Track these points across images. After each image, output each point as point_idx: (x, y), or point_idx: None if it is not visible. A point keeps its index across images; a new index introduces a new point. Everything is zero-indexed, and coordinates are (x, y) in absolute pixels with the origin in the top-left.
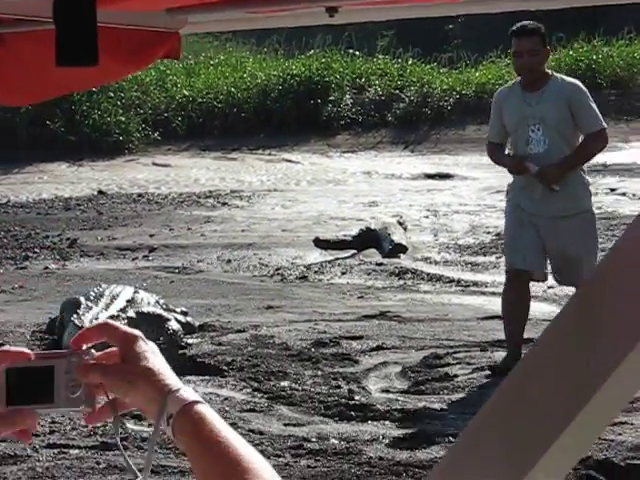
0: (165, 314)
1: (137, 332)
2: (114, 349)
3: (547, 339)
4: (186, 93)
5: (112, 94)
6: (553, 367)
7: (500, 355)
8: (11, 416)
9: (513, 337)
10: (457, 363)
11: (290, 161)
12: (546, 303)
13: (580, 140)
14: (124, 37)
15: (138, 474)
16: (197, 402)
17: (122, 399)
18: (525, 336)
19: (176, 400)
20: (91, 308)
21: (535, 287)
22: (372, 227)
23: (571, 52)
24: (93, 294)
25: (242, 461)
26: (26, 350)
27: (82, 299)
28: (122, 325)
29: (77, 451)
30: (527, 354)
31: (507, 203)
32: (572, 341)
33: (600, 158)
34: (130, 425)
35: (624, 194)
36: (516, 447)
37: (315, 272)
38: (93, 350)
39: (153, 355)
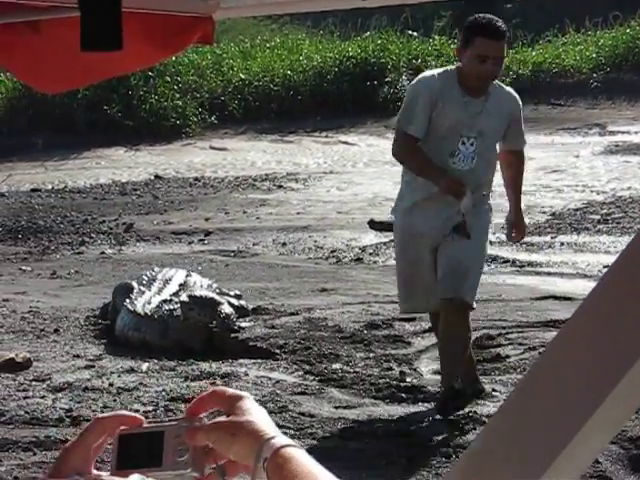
0: (218, 297)
1: (245, 393)
2: (223, 418)
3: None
4: (242, 76)
5: (169, 78)
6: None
7: (552, 335)
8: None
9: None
10: (509, 344)
11: (346, 143)
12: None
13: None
14: (158, 23)
15: None
16: (288, 445)
17: (227, 455)
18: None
19: (271, 445)
20: (144, 292)
21: (590, 266)
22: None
23: (628, 30)
24: (146, 278)
25: None
26: (139, 416)
27: (134, 283)
28: (231, 389)
29: None
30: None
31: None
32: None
33: None
34: None
35: None
36: (540, 438)
37: (370, 254)
38: (205, 419)
39: (257, 410)
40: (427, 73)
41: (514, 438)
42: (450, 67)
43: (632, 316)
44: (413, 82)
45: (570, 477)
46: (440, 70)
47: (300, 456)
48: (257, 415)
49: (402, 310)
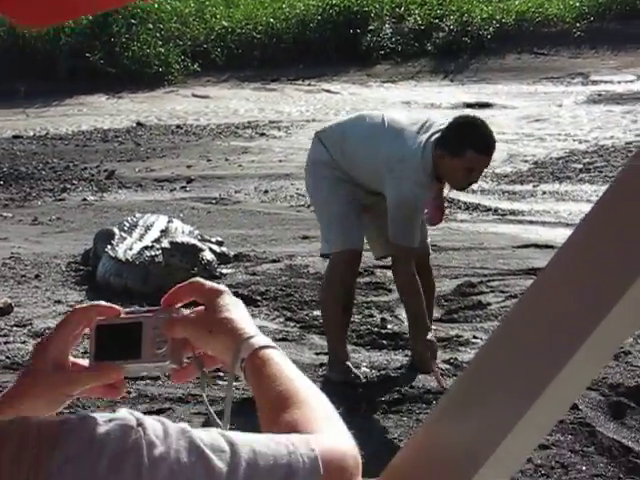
0: (200, 244)
1: (223, 287)
2: (201, 308)
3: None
4: (225, 24)
5: (151, 26)
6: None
7: None
8: (97, 371)
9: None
10: (491, 291)
11: (329, 91)
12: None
13: None
14: None
15: (220, 423)
16: (267, 347)
17: (205, 351)
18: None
19: (249, 345)
20: (125, 239)
21: (572, 215)
22: None
23: None
24: (127, 224)
25: (297, 394)
26: (117, 307)
27: (116, 230)
28: (209, 282)
29: None
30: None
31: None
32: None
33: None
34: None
35: None
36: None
37: None
38: (182, 309)
39: (235, 307)
40: (422, 178)
41: (492, 382)
42: (427, 165)
43: (609, 262)
44: (410, 187)
45: (550, 419)
46: (428, 172)
47: (278, 359)
48: (236, 312)
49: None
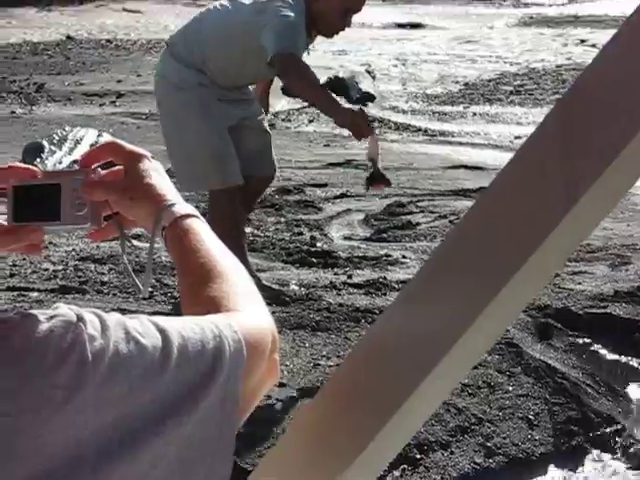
0: None
1: (143, 151)
2: (120, 167)
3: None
4: None
5: None
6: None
7: (463, 204)
8: (17, 231)
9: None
10: (420, 211)
11: None
12: (512, 153)
13: None
14: None
15: (141, 287)
16: (189, 215)
17: (127, 216)
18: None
19: (170, 213)
20: (54, 152)
21: (502, 137)
22: (340, 75)
23: None
24: (56, 138)
25: (216, 266)
26: (33, 167)
27: (45, 143)
28: (128, 144)
29: (37, 294)
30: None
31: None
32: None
33: (571, 9)
34: (136, 242)
35: (594, 45)
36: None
37: (282, 120)
38: (100, 169)
39: (156, 173)
40: (296, 13)
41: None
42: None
43: (556, 176)
44: (286, 16)
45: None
46: (300, 10)
47: (199, 229)
48: (157, 178)
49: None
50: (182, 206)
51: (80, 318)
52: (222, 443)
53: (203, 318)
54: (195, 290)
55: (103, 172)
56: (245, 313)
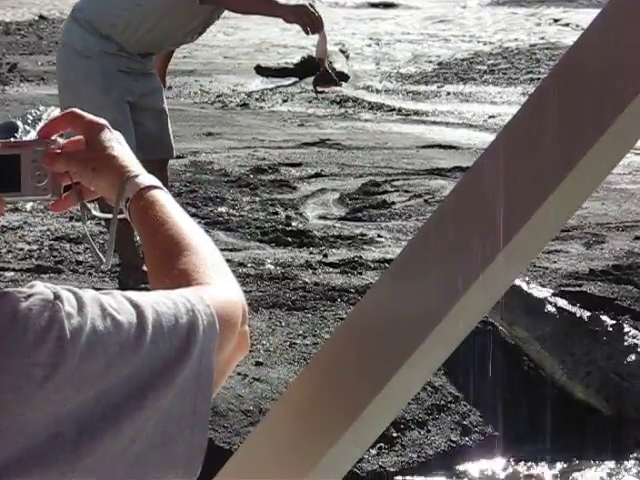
0: None
1: (103, 121)
2: (80, 137)
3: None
4: None
5: None
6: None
7: (437, 183)
8: None
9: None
10: (395, 191)
11: None
12: (486, 132)
13: None
14: None
15: (103, 259)
16: (154, 187)
17: (88, 187)
18: (464, 165)
19: (134, 184)
20: (29, 132)
21: (476, 116)
22: (314, 55)
23: None
24: (30, 118)
25: (184, 239)
26: None
27: (19, 122)
28: (88, 114)
29: (12, 274)
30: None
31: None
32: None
33: None
34: (95, 212)
35: (567, 25)
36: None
37: (256, 99)
38: (59, 139)
39: (118, 144)
40: None
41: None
42: None
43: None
44: None
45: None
46: None
47: (164, 200)
48: (119, 149)
49: None
50: (146, 177)
51: (57, 296)
52: (198, 416)
53: (175, 292)
54: (164, 263)
55: (62, 142)
56: (216, 286)
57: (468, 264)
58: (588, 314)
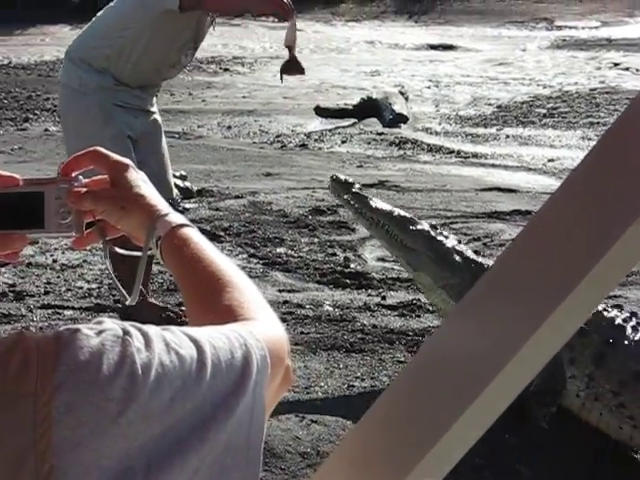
0: None
1: (128, 160)
2: (103, 176)
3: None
4: None
5: None
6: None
7: (496, 227)
8: (2, 239)
9: None
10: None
11: None
12: (545, 176)
13: None
14: None
15: (127, 296)
16: (185, 225)
17: (114, 225)
18: (523, 208)
19: (164, 223)
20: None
21: (535, 160)
22: (373, 96)
23: None
24: None
25: (224, 275)
26: (15, 175)
27: None
28: (113, 154)
29: (71, 312)
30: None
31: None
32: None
33: (604, 32)
34: (118, 250)
35: (627, 69)
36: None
37: (315, 140)
38: (81, 177)
39: (144, 183)
40: None
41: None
42: None
43: (591, 223)
44: None
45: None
46: None
47: (197, 238)
48: (146, 189)
49: None
50: (176, 216)
51: (126, 332)
52: (252, 448)
53: (225, 327)
54: (207, 300)
55: (85, 180)
56: (262, 321)
57: (532, 310)
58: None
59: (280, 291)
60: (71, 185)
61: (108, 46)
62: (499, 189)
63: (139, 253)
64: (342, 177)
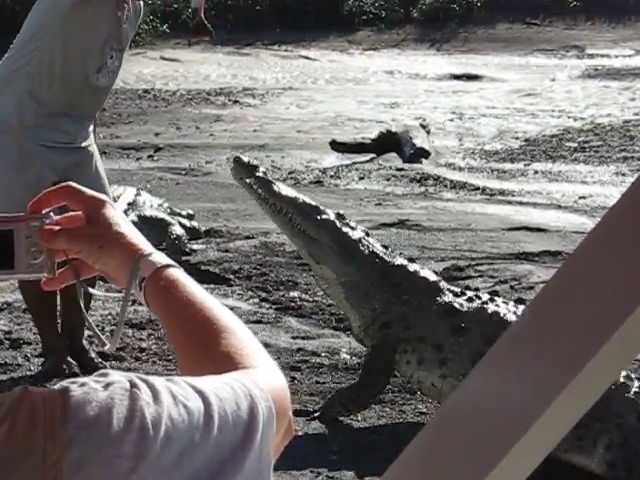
0: (168, 218)
1: (104, 197)
2: (77, 213)
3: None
4: None
5: None
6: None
7: (524, 268)
8: None
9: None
10: (479, 276)
11: (307, 58)
12: (577, 214)
13: None
14: None
15: (106, 342)
16: (170, 265)
17: (92, 265)
18: (553, 249)
19: (148, 263)
20: None
21: (565, 197)
22: (393, 130)
23: None
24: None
25: (219, 320)
26: None
27: None
28: (87, 189)
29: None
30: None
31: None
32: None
33: (638, 61)
34: (94, 291)
35: None
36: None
37: (331, 177)
38: (52, 214)
39: (123, 221)
40: None
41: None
42: None
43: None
44: None
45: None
46: None
47: (185, 280)
48: (126, 227)
49: None
50: (160, 256)
51: (133, 384)
52: None
53: (227, 377)
54: (202, 347)
55: (56, 217)
56: (263, 369)
57: (565, 362)
58: (400, 262)
59: (294, 338)
60: (43, 223)
61: (27, 63)
62: (527, 228)
63: (117, 295)
64: (245, 159)
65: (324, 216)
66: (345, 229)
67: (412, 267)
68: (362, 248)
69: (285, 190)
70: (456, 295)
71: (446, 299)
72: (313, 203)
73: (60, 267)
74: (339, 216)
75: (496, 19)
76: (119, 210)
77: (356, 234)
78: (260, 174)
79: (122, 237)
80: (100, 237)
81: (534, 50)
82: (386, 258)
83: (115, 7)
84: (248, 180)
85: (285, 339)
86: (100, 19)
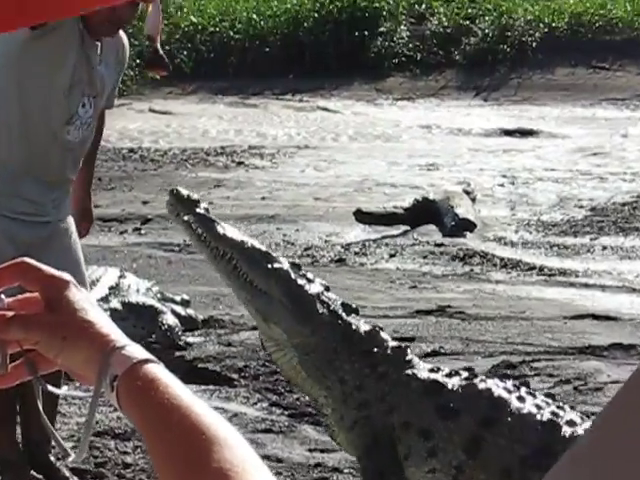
0: (159, 305)
1: (67, 276)
2: (33, 295)
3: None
4: (194, 20)
5: None
6: None
7: (590, 365)
8: None
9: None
10: (536, 374)
11: (327, 110)
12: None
13: None
14: None
15: (70, 453)
16: (148, 361)
17: (53, 359)
18: (626, 341)
19: (122, 358)
20: None
21: (639, 278)
22: (430, 197)
23: None
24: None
25: (208, 429)
26: None
27: None
28: (46, 267)
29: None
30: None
31: None
32: None
33: None
34: (55, 390)
35: None
36: None
37: (355, 254)
38: (4, 296)
39: (90, 305)
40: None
41: None
42: None
43: None
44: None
45: None
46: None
47: (167, 379)
48: (94, 314)
49: None
50: (136, 348)
51: None
52: None
53: None
54: (189, 463)
55: (8, 300)
56: None
57: None
58: (368, 328)
59: (310, 450)
60: None
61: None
62: (594, 316)
63: (84, 394)
64: (184, 192)
65: (276, 265)
66: (300, 281)
67: (383, 334)
68: (320, 305)
69: (231, 232)
70: (432, 371)
71: (425, 374)
72: (263, 249)
73: (14, 360)
74: (294, 266)
75: (555, 62)
76: (85, 292)
77: (314, 288)
78: (201, 210)
79: (90, 326)
80: (63, 326)
81: (601, 100)
82: (348, 320)
83: (80, 44)
84: (186, 217)
85: (300, 452)
86: (61, 58)
